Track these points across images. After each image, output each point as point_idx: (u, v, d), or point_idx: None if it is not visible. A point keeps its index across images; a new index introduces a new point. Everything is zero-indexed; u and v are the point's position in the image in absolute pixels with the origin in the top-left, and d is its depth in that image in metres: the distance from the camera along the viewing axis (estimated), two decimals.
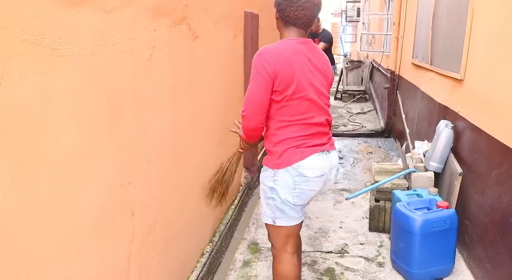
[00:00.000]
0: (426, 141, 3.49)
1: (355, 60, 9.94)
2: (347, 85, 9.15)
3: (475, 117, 2.63)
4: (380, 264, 2.76)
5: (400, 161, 3.42)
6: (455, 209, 2.64)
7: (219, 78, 2.76)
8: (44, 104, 1.08)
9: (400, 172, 3.16)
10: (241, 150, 2.21)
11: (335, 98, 9.00)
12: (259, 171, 2.11)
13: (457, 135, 2.93)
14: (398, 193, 2.83)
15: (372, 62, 8.73)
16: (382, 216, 3.14)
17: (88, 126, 1.29)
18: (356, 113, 7.68)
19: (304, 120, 1.87)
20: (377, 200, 3.16)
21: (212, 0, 2.51)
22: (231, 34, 3.02)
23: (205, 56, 2.41)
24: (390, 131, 6.05)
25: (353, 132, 6.27)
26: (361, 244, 3.03)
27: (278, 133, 1.89)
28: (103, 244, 1.42)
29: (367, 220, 3.28)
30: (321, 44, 6.39)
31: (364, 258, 2.84)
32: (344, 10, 13.46)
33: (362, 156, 5.22)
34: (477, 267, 2.51)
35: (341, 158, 5.03)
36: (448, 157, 2.95)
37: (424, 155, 3.22)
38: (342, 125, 6.69)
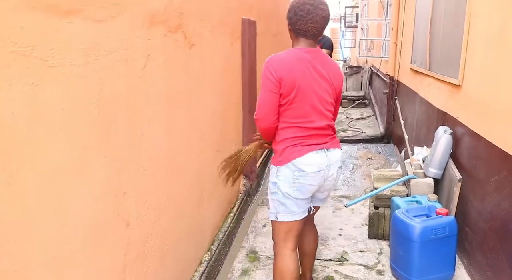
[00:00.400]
0: (425, 147, 3.47)
1: (354, 65, 9.97)
2: (346, 90, 9.16)
3: (474, 122, 2.62)
4: (380, 272, 2.73)
5: (399, 167, 3.41)
6: (455, 215, 2.62)
7: (216, 85, 2.75)
8: (35, 116, 1.07)
9: (399, 178, 3.14)
10: (266, 145, 2.29)
11: None
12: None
13: (456, 141, 2.92)
14: (397, 200, 2.81)
15: (371, 68, 8.74)
16: (382, 223, 3.11)
17: (80, 137, 1.28)
18: (356, 119, 7.68)
19: (303, 124, 2.02)
20: (376, 207, 3.14)
21: (209, 8, 2.51)
22: (228, 41, 3.02)
23: (201, 64, 2.40)
24: (390, 136, 6.04)
25: (352, 138, 6.26)
26: (360, 251, 3.00)
27: (281, 133, 2.07)
28: (97, 256, 1.40)
29: (367, 227, 3.26)
30: (323, 51, 6.38)
31: (364, 265, 2.81)
32: (343, 16, 13.51)
33: (361, 162, 5.20)
34: (477, 274, 2.49)
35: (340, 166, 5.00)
36: (447, 163, 2.94)
37: (423, 161, 3.20)
38: (342, 131, 6.68)
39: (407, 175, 3.06)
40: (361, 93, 9.12)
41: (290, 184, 2.03)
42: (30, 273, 1.08)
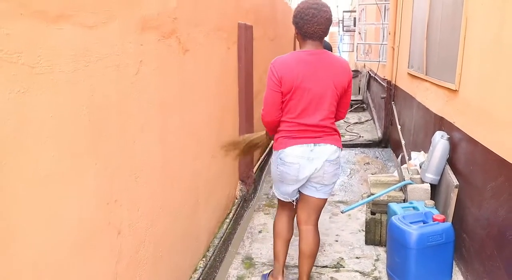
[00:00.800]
0: (422, 152, 3.46)
1: (352, 70, 9.95)
2: None
3: (471, 128, 2.60)
4: (376, 279, 2.71)
5: (396, 173, 3.39)
6: (452, 222, 2.60)
7: (212, 90, 2.73)
8: (22, 124, 1.05)
9: (396, 184, 3.12)
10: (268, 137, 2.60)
11: None
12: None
13: (453, 146, 2.90)
14: (393, 206, 2.79)
15: (369, 72, 8.74)
16: (378, 229, 3.09)
17: (70, 144, 1.25)
18: (354, 123, 7.67)
19: (296, 119, 2.25)
20: (373, 213, 3.12)
21: (204, 13, 2.50)
22: (224, 46, 3.00)
23: (196, 69, 2.39)
24: (388, 141, 6.02)
25: (350, 143, 6.24)
26: (357, 258, 2.98)
27: (280, 125, 2.34)
28: (87, 265, 1.38)
29: (364, 233, 3.23)
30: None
31: (360, 272, 2.79)
32: (341, 20, 13.52)
33: (359, 167, 5.19)
34: None
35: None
36: (444, 168, 2.92)
37: (420, 167, 3.18)
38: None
39: (404, 180, 3.04)
40: (359, 97, 9.12)
41: (275, 167, 2.36)
42: None
